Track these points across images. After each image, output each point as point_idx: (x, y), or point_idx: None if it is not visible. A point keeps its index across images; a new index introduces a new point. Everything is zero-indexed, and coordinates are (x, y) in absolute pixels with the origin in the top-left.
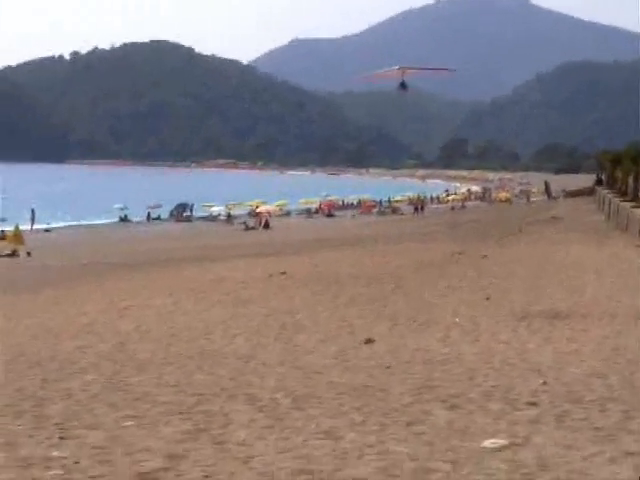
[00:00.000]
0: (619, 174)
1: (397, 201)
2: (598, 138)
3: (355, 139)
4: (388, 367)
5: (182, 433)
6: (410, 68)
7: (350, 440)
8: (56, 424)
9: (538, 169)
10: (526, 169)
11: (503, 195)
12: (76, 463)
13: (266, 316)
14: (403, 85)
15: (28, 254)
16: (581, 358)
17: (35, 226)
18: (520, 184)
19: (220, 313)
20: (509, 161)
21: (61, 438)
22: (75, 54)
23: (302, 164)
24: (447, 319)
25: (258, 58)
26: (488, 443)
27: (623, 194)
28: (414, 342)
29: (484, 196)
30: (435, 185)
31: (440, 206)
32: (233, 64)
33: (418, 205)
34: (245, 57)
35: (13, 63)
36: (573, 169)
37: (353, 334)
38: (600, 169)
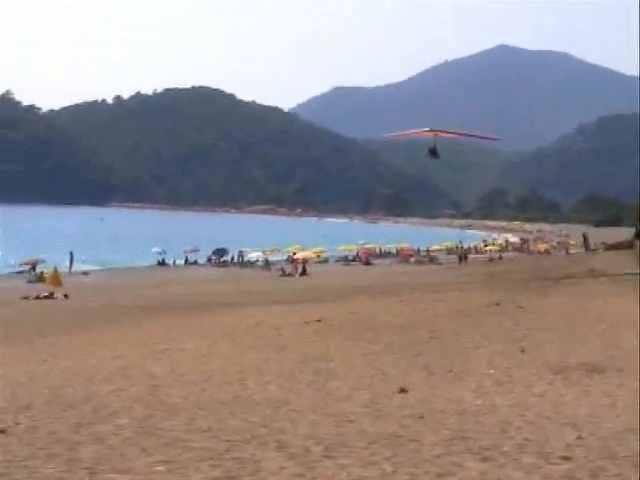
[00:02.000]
0: None
1: (435, 250)
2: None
3: (393, 187)
4: (421, 417)
5: (212, 479)
6: (443, 131)
7: None
8: (86, 468)
9: (578, 221)
10: (567, 220)
11: (542, 246)
12: None
13: (300, 362)
14: (433, 152)
15: (65, 296)
16: (617, 413)
17: (73, 268)
18: (559, 236)
19: (254, 358)
20: (549, 212)
21: None
22: (118, 98)
23: (340, 211)
24: (481, 370)
25: (299, 105)
26: None
27: None
28: (447, 392)
29: (522, 247)
30: (473, 235)
31: (478, 256)
32: (274, 110)
33: (462, 255)
34: (286, 104)
35: (57, 107)
36: (614, 221)
37: (386, 382)
38: None
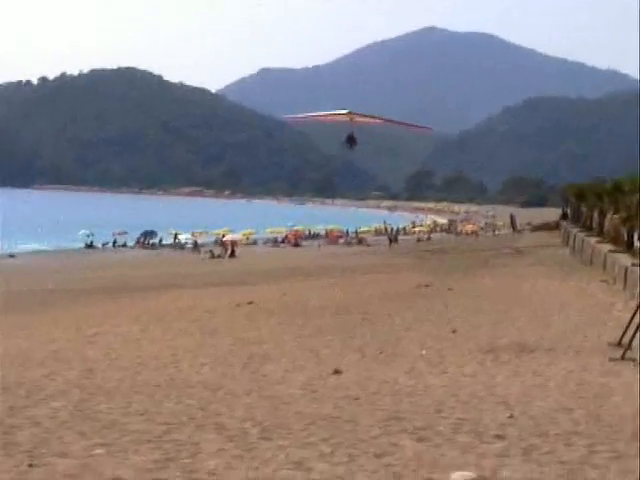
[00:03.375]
0: (584, 209)
1: (364, 232)
2: (564, 172)
3: (322, 169)
4: (356, 398)
5: (152, 462)
6: (361, 115)
7: (320, 471)
8: (25, 451)
9: (505, 202)
10: (493, 202)
11: (469, 228)
12: None
13: (233, 345)
14: (351, 140)
15: None
16: (547, 392)
17: None
18: (486, 217)
19: (187, 342)
20: (476, 193)
21: (30, 466)
22: (43, 79)
23: (269, 193)
24: (414, 351)
25: (227, 86)
26: (457, 476)
27: (588, 229)
28: (381, 374)
29: (450, 228)
30: (401, 217)
31: (406, 237)
32: (202, 92)
33: (392, 237)
34: (214, 85)
35: None
36: (539, 202)
37: (320, 365)
38: (565, 203)
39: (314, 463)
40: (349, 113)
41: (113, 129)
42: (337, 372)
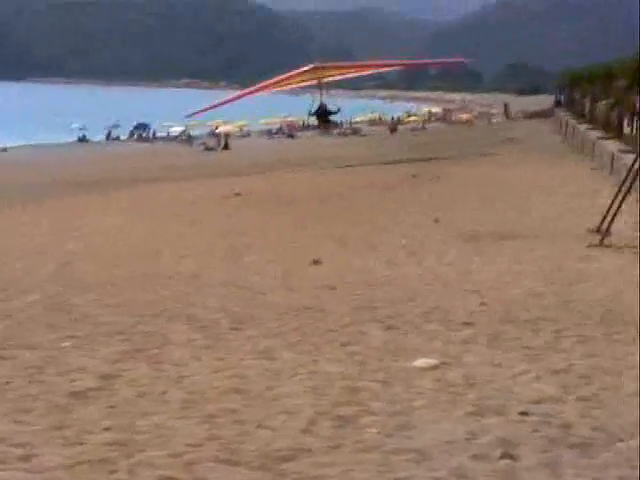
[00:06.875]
0: (576, 95)
1: (358, 122)
2: (562, 58)
3: (318, 57)
4: (333, 288)
5: (119, 353)
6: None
7: (284, 360)
8: None
9: (501, 90)
10: (489, 90)
11: (464, 117)
12: (8, 383)
13: (216, 237)
14: (325, 113)
15: None
16: (522, 278)
17: None
18: (481, 106)
19: (171, 233)
20: (472, 82)
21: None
22: None
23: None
24: (395, 241)
25: None
26: (419, 363)
27: (580, 116)
28: (360, 263)
29: (445, 117)
30: (396, 106)
31: (400, 127)
32: None
33: (392, 126)
34: None
35: None
36: (536, 90)
37: (302, 255)
38: (560, 90)
39: (279, 352)
40: (314, 68)
41: (105, 20)
42: (316, 262)
